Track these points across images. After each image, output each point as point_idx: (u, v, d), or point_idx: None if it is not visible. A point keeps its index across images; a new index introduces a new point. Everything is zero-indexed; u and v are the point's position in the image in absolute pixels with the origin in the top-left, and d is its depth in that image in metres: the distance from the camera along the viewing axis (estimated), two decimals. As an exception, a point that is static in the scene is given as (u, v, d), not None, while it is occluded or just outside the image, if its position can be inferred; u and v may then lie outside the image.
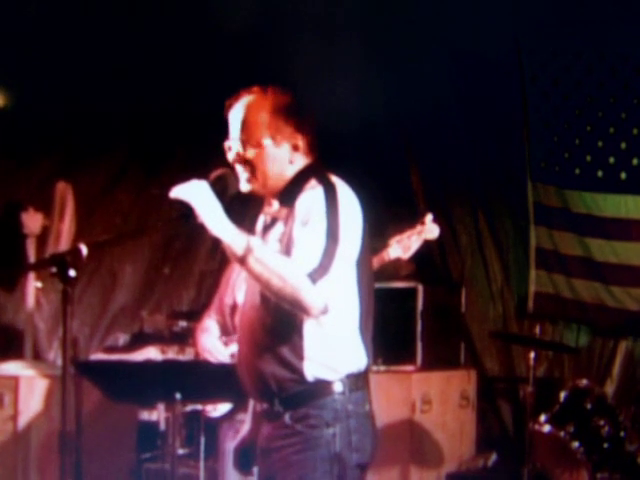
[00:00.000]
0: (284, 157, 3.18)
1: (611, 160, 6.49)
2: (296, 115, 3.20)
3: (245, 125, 3.16)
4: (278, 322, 3.05)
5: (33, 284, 5.91)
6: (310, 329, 3.04)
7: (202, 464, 5.07)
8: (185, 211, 2.90)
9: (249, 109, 3.17)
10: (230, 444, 3.94)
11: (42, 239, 6.08)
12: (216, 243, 3.06)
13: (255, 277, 2.95)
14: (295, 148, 3.19)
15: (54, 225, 6.03)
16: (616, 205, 6.47)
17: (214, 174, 3.05)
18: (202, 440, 5.04)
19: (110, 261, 6.87)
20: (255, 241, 2.95)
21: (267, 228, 3.23)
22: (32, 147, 6.47)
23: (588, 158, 6.63)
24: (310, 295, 2.92)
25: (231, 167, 3.17)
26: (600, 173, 6.55)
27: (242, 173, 3.17)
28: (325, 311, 2.98)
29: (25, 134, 6.38)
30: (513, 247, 7.25)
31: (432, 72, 6.98)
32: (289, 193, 3.13)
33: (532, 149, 6.98)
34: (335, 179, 3.14)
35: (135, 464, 5.93)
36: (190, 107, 6.76)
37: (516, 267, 7.22)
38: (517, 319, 7.18)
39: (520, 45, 6.87)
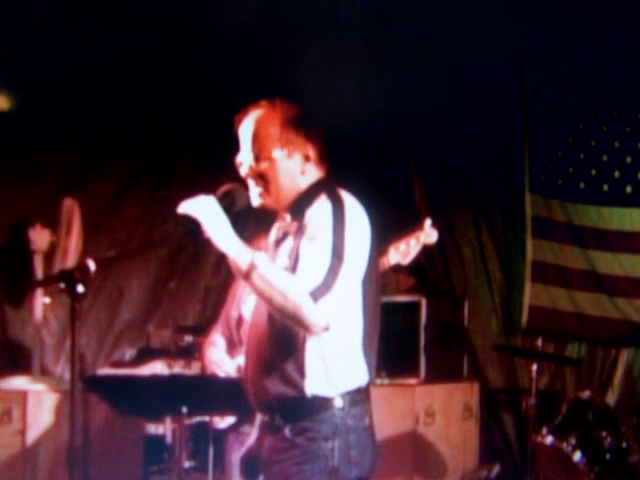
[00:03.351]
0: (296, 169, 3.19)
1: (616, 174, 6.53)
2: (306, 126, 3.22)
3: (256, 139, 3.18)
4: (283, 338, 3.06)
5: (41, 300, 5.94)
6: (313, 346, 3.05)
7: (211, 475, 5.08)
8: (192, 226, 2.91)
9: (259, 123, 3.19)
10: (236, 456, 3.98)
11: (49, 255, 6.11)
12: (221, 258, 3.08)
13: (258, 293, 2.96)
14: (307, 159, 3.20)
15: (61, 241, 6.06)
16: (621, 218, 6.51)
17: (222, 189, 3.06)
18: (211, 451, 5.04)
19: (116, 277, 6.89)
20: (260, 257, 2.95)
21: (279, 242, 3.25)
22: (38, 164, 6.52)
23: (593, 172, 6.66)
24: (311, 313, 2.92)
25: (239, 182, 3.18)
26: (606, 187, 6.60)
27: (254, 187, 3.19)
28: (327, 329, 2.99)
29: (31, 151, 6.43)
30: (515, 260, 7.27)
31: (435, 82, 7.03)
32: (300, 206, 3.14)
33: (533, 161, 7.01)
34: (345, 195, 3.14)
35: (142, 477, 5.94)
36: (196, 120, 6.81)
37: (519, 280, 7.25)
38: (510, 333, 7.19)
39: (521, 57, 6.91)
